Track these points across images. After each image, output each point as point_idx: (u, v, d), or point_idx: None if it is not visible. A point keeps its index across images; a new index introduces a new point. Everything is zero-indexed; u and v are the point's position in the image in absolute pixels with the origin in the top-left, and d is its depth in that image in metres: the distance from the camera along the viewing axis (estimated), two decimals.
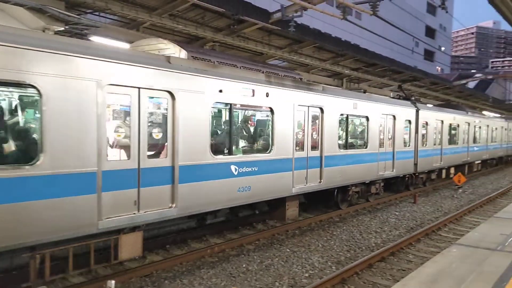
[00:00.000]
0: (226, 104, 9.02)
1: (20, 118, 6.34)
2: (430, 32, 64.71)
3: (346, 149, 12.91)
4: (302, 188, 11.07)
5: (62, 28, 8.49)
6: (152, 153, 7.56)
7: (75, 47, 6.35)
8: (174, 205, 7.73)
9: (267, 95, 9.75)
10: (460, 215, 13.52)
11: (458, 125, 22.18)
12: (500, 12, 9.95)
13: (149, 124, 7.41)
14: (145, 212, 7.21)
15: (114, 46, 7.59)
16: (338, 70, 18.87)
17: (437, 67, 69.86)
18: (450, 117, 21.11)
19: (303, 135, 11.20)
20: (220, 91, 8.63)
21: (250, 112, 10.49)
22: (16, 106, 6.30)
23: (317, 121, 11.70)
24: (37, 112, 6.06)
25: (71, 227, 6.25)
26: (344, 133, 12.97)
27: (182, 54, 8.50)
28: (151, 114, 7.61)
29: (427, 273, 5.74)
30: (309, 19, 30.44)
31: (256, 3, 13.41)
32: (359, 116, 13.69)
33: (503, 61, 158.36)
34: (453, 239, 10.59)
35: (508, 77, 60.72)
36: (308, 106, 11.22)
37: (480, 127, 25.76)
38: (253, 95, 9.41)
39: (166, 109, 7.70)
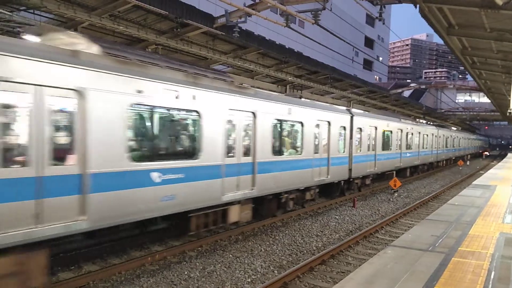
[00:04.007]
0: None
1: None
2: (369, 42, 67.49)
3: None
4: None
5: None
6: None
7: None
8: None
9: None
10: (395, 218, 14.15)
11: (447, 136, 38.71)
12: (431, 25, 10.58)
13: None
14: None
15: None
16: (282, 76, 19.16)
17: (375, 76, 73.06)
18: (447, 132, 39.06)
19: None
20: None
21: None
22: None
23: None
24: None
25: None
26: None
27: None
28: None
29: (364, 274, 5.92)
30: (253, 25, 30.76)
31: (201, 7, 13.33)
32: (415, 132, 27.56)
33: (435, 71, 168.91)
34: (389, 241, 11.05)
35: (439, 87, 64.64)
36: (406, 131, 25.40)
37: (454, 138, 42.81)
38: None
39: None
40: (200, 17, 12.32)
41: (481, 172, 33.69)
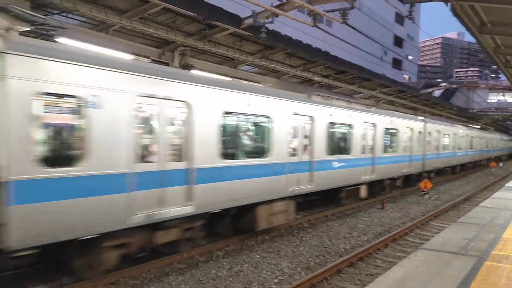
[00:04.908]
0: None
1: None
2: (398, 41, 66.29)
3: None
4: None
5: (28, 29, 8.22)
6: None
7: None
8: None
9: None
10: (426, 221, 13.86)
11: (488, 138, 42.79)
12: (462, 23, 10.30)
13: None
14: None
15: None
16: (309, 77, 19.05)
17: (405, 75, 71.62)
18: (488, 134, 43.60)
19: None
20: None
21: None
22: None
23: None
24: None
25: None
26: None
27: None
28: None
29: (393, 277, 5.83)
30: (280, 25, 30.63)
31: (228, 8, 13.39)
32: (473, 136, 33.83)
33: (466, 71, 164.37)
34: (419, 243, 10.83)
35: (471, 87, 62.91)
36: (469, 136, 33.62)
37: (493, 139, 47.06)
38: None
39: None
40: (227, 18, 12.39)
41: None
